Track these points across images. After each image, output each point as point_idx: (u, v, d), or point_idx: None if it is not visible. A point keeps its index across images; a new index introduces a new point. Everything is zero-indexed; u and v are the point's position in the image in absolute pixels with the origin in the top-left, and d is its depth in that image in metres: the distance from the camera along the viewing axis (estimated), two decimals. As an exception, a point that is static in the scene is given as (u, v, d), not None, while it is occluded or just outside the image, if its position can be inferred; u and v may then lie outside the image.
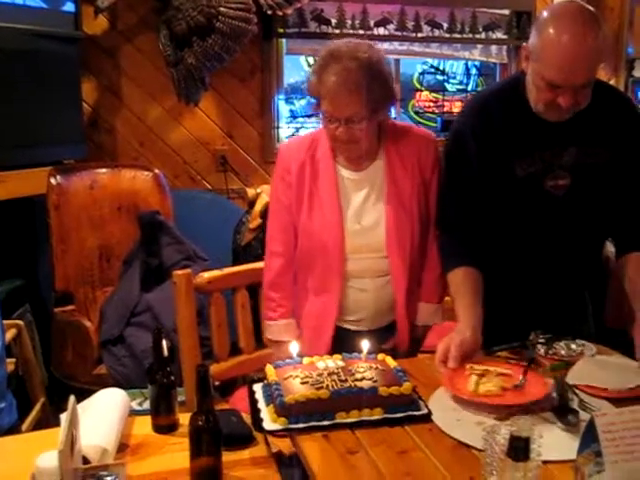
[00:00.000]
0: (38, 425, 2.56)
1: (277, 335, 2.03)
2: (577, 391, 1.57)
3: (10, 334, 2.55)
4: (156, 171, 3.37)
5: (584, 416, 1.41)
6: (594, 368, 1.69)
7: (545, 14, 1.69)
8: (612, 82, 4.02)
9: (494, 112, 1.85)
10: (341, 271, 1.94)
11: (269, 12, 3.56)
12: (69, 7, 3.23)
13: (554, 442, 1.33)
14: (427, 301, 2.06)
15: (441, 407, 1.55)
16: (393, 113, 4.20)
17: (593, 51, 1.61)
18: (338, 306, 1.97)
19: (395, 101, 1.99)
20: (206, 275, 2.10)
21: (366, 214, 1.95)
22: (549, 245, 1.90)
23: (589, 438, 1.16)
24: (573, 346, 1.84)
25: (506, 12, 4.18)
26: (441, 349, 1.71)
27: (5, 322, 2.61)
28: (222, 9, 3.37)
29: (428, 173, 1.98)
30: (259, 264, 2.12)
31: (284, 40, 3.87)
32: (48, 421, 2.61)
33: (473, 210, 1.88)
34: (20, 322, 2.67)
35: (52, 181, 3.11)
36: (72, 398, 1.33)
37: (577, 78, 1.62)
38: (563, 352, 1.82)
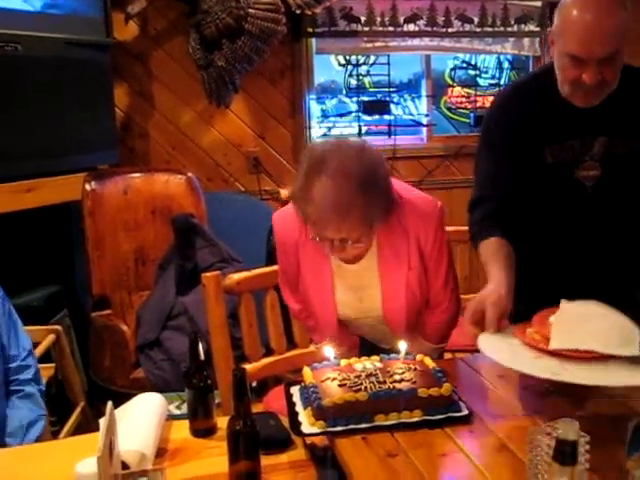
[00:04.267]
0: (78, 429, 2.59)
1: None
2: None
3: (49, 339, 2.58)
4: (189, 174, 3.38)
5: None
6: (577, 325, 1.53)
7: None
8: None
9: (525, 100, 1.84)
10: (337, 333, 1.93)
11: (298, 12, 3.55)
12: (99, 14, 3.25)
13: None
14: (424, 338, 1.97)
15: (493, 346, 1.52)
16: (424, 105, 4.20)
17: (614, 24, 1.59)
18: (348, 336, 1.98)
19: (395, 205, 1.74)
20: (235, 276, 2.10)
21: (362, 296, 1.88)
22: (580, 237, 1.85)
23: (638, 440, 1.12)
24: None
25: (538, 3, 4.11)
26: (473, 309, 1.59)
27: (44, 327, 2.65)
28: (251, 10, 3.37)
29: (429, 246, 1.82)
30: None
31: (313, 39, 3.86)
32: (88, 425, 2.64)
33: (505, 192, 1.84)
34: (59, 327, 2.70)
35: (86, 187, 3.13)
36: (109, 404, 1.33)
37: (598, 49, 1.59)
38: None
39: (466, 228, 1.93)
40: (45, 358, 2.55)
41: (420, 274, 1.84)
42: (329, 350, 1.67)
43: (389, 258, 1.82)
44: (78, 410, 2.71)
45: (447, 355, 2.17)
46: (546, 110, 1.80)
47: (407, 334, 1.88)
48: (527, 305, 1.74)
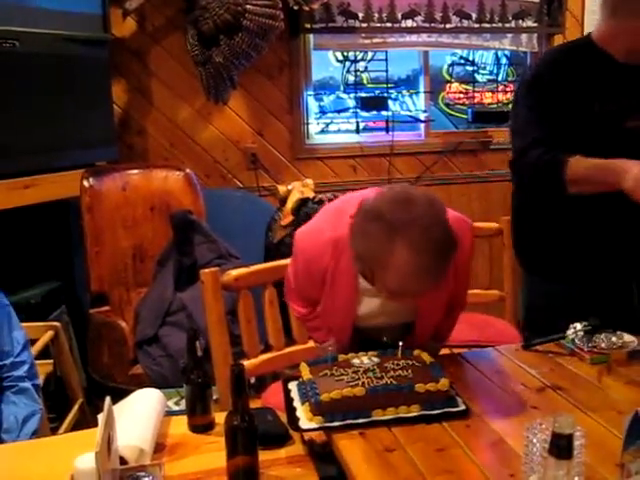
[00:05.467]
0: (77, 425, 2.60)
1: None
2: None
3: (47, 336, 2.58)
4: (187, 171, 3.38)
5: None
6: None
7: None
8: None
9: (570, 62, 1.95)
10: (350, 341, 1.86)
11: (295, 8, 3.54)
12: (97, 10, 3.25)
13: None
14: (440, 340, 1.95)
15: None
16: (422, 101, 4.19)
17: None
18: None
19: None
20: (233, 273, 2.10)
21: (393, 313, 1.80)
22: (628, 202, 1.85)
23: (634, 434, 1.13)
24: (614, 338, 1.80)
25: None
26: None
27: (42, 324, 2.65)
28: (249, 7, 3.36)
29: (463, 265, 1.75)
30: (286, 261, 2.11)
31: (311, 35, 3.85)
32: (87, 421, 2.64)
33: (558, 139, 1.90)
34: (57, 324, 2.70)
35: (85, 183, 3.13)
36: (108, 399, 1.33)
37: None
38: (603, 345, 1.78)
39: None
40: (43, 354, 2.55)
41: (452, 289, 1.78)
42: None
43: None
44: (76, 406, 2.72)
45: (444, 350, 2.17)
46: (594, 71, 1.91)
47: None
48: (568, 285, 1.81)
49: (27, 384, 2.01)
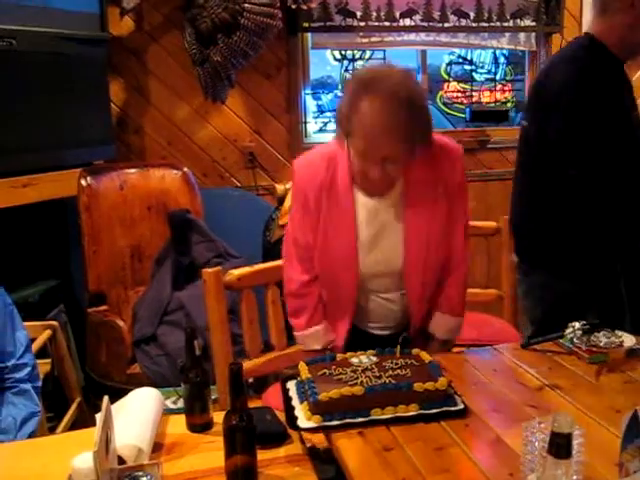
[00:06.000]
0: (75, 425, 2.59)
1: (309, 344, 1.97)
2: None
3: (45, 335, 2.58)
4: (185, 170, 3.38)
5: None
6: None
7: None
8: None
9: (606, 66, 2.05)
10: (353, 295, 1.89)
11: (293, 6, 3.54)
12: (95, 9, 3.24)
13: None
14: (450, 313, 1.95)
15: None
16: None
17: None
18: (351, 314, 1.92)
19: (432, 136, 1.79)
20: (236, 272, 2.09)
21: (384, 243, 1.86)
22: None
23: (632, 433, 1.13)
24: (612, 337, 1.80)
25: (534, -2, 4.10)
26: None
27: (40, 323, 2.65)
28: (246, 5, 3.36)
29: (454, 190, 1.87)
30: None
31: (309, 34, 3.85)
32: (85, 421, 2.63)
33: None
34: (55, 323, 2.70)
35: (82, 182, 3.13)
36: (106, 399, 1.33)
37: None
38: (602, 343, 1.78)
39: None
40: (41, 354, 2.54)
41: (444, 222, 1.85)
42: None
43: (415, 199, 1.83)
44: (74, 406, 2.72)
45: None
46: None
47: (422, 303, 1.89)
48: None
49: (27, 386, 2.01)
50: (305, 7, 3.55)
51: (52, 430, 2.49)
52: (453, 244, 1.90)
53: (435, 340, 1.97)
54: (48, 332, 2.61)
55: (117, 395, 1.64)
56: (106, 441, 1.26)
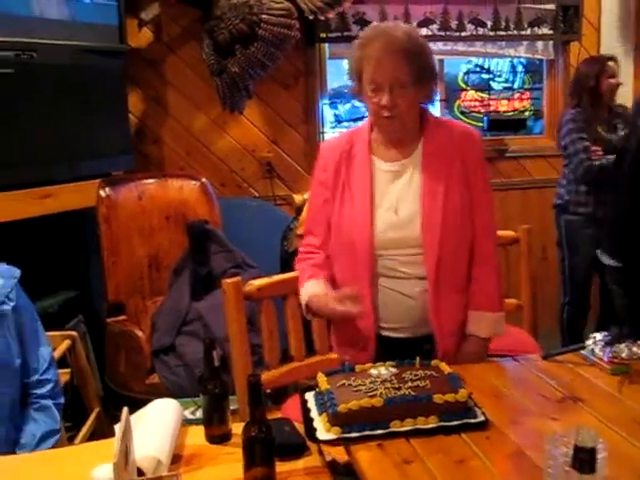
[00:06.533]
0: (94, 435, 2.59)
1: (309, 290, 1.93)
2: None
3: (64, 345, 2.59)
4: (203, 180, 3.39)
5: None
6: None
7: None
8: None
9: None
10: (370, 270, 1.86)
11: (311, 17, 3.55)
12: (113, 21, 3.27)
13: None
14: (490, 309, 1.91)
15: None
16: (437, 109, 4.18)
17: None
18: (371, 308, 1.87)
19: (436, 85, 1.95)
20: (256, 283, 2.09)
21: (402, 206, 1.88)
22: None
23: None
24: (634, 348, 1.78)
25: (552, 7, 4.08)
26: None
27: (59, 333, 2.66)
28: (264, 16, 3.38)
29: (472, 168, 1.91)
30: (308, 271, 2.10)
31: (327, 45, 3.87)
32: (103, 431, 2.64)
33: None
34: (74, 333, 2.70)
35: (101, 193, 3.15)
36: (125, 410, 1.33)
37: None
38: (624, 354, 1.76)
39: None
40: (60, 364, 2.55)
41: (462, 198, 1.88)
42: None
43: (432, 168, 1.88)
44: (93, 416, 2.72)
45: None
46: None
47: (441, 291, 1.85)
48: None
49: (49, 402, 2.01)
50: (322, 18, 3.56)
51: (70, 440, 2.49)
52: (476, 232, 1.90)
53: (473, 339, 1.91)
54: (67, 342, 2.62)
55: (136, 405, 1.64)
56: (125, 452, 1.26)
